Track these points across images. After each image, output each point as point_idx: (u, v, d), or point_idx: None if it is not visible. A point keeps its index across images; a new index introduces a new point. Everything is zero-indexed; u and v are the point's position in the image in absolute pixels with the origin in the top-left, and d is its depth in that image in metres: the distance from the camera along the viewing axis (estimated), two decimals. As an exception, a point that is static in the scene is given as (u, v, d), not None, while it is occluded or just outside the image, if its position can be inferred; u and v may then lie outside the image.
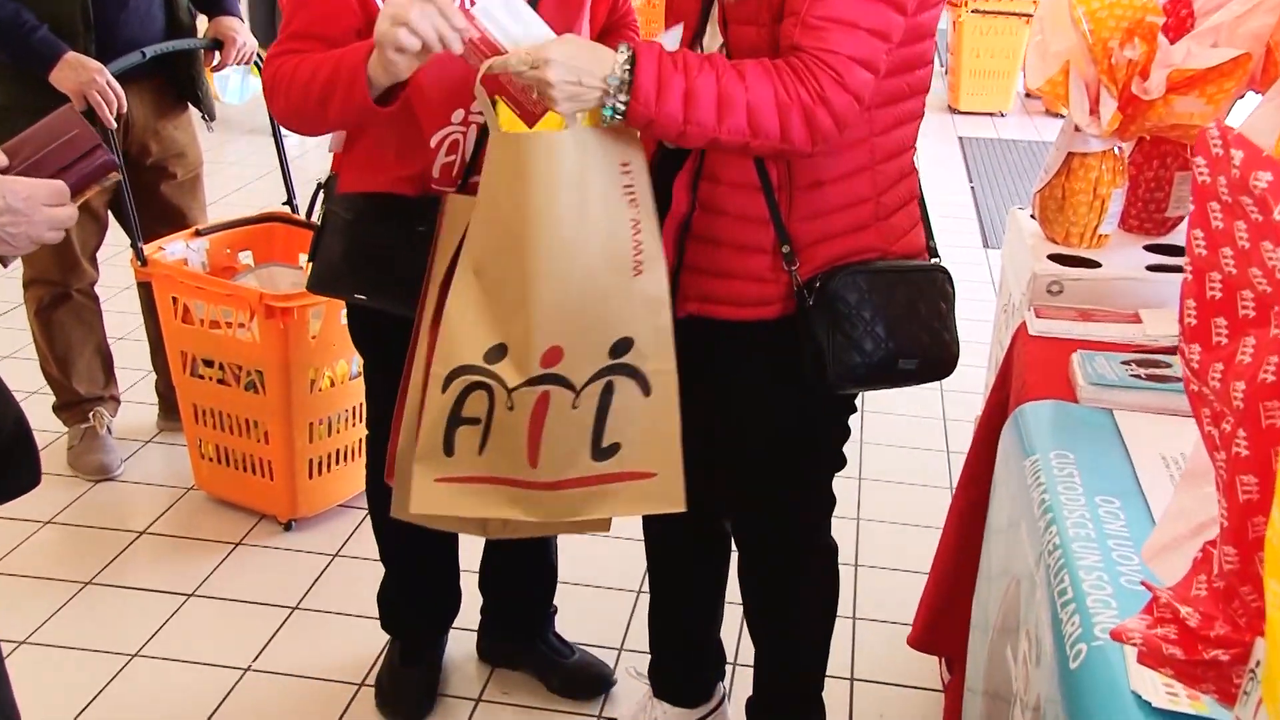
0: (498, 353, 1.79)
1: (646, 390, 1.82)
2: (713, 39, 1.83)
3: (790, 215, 1.81)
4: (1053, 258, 2.21)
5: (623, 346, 1.79)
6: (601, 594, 2.85)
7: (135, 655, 2.62)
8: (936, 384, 1.99)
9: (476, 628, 2.64)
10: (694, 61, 1.64)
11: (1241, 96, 2.15)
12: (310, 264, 2.18)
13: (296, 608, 2.80)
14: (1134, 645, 0.84)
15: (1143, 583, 0.91)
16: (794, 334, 1.83)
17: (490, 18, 1.69)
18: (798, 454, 2.02)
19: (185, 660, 2.61)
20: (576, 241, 1.72)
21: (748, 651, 2.27)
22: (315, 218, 2.18)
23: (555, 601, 2.62)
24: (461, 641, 2.62)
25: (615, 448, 1.85)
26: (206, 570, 2.92)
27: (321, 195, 2.16)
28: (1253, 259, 0.75)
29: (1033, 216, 2.36)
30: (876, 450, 3.49)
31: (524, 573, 2.56)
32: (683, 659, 2.35)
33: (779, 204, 1.80)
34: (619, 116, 1.64)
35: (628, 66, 1.61)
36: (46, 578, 2.87)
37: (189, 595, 2.82)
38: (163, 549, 3.02)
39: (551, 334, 1.76)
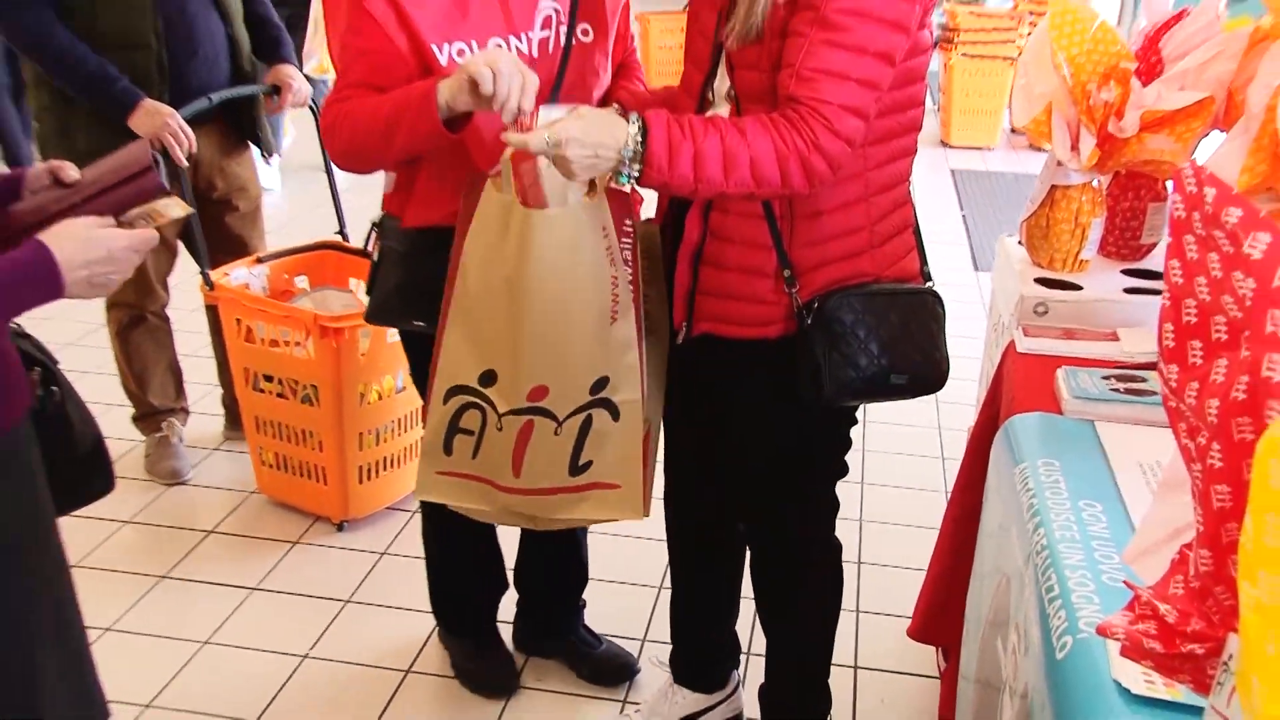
0: (489, 378, 1.86)
1: (616, 416, 1.88)
2: (721, 81, 1.83)
3: (791, 242, 1.80)
4: (1038, 281, 2.20)
5: (601, 384, 1.85)
6: (626, 590, 2.84)
7: (205, 643, 2.62)
8: (932, 396, 1.97)
9: (512, 620, 2.64)
10: (699, 125, 1.63)
11: (1207, 134, 2.12)
12: (368, 296, 2.18)
13: (349, 601, 2.79)
14: (1117, 640, 0.83)
15: (1125, 582, 0.90)
16: (793, 352, 1.83)
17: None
18: (796, 467, 2.01)
19: (250, 648, 2.61)
20: (563, 298, 1.78)
21: (761, 642, 2.27)
22: (372, 252, 2.18)
23: (584, 596, 2.61)
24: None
25: (588, 464, 1.91)
26: (268, 566, 2.92)
27: (375, 233, 2.16)
28: (1224, 287, 0.75)
29: (1020, 243, 2.34)
30: (878, 457, 3.47)
31: (556, 570, 2.56)
32: (700, 649, 2.34)
33: (781, 232, 1.79)
34: (634, 180, 1.64)
35: (640, 137, 1.61)
36: (126, 571, 2.88)
37: (252, 589, 2.82)
38: (228, 547, 3.02)
39: (537, 375, 1.83)
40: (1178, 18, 2.19)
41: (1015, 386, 1.90)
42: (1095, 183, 2.21)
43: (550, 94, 1.96)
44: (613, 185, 1.73)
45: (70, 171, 1.50)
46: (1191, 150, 2.13)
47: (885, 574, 2.91)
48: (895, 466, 3.44)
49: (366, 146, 1.90)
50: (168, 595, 2.80)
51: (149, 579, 2.85)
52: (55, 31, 2.80)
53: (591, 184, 1.75)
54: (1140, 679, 1.08)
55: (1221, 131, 2.08)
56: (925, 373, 1.89)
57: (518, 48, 1.94)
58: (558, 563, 2.54)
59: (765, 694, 2.25)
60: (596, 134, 1.61)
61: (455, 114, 1.78)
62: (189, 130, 2.87)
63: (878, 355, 1.82)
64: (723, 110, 1.82)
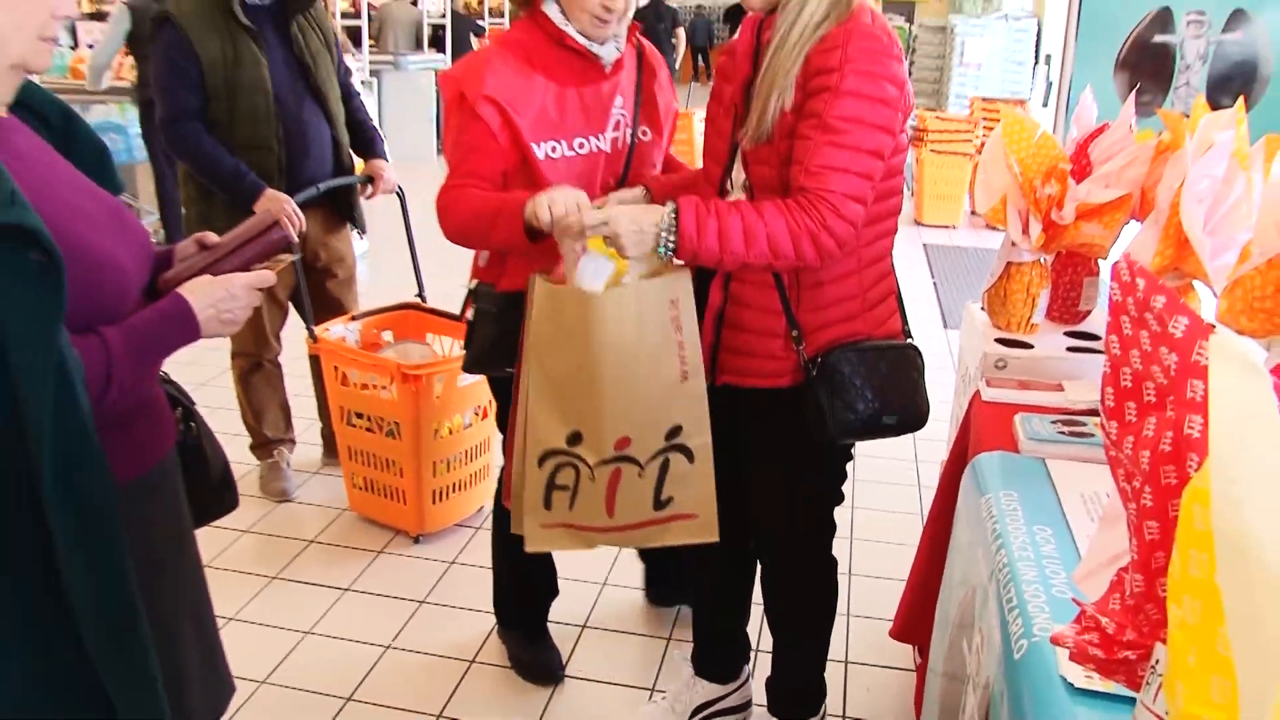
0: (575, 438, 1.81)
1: (691, 459, 1.85)
2: (737, 174, 1.86)
3: (798, 308, 1.82)
4: (998, 340, 2.19)
5: (675, 432, 1.83)
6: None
7: (308, 633, 2.63)
8: (911, 434, 1.97)
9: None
10: (723, 207, 1.67)
11: (1128, 223, 2.14)
12: (465, 351, 2.20)
13: (423, 602, 2.79)
14: (1067, 648, 0.84)
15: (1073, 599, 0.91)
16: (802, 399, 1.84)
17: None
18: (805, 496, 2.02)
19: (343, 638, 2.61)
20: (635, 364, 1.76)
21: (767, 640, 2.26)
22: (468, 315, 2.20)
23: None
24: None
25: (669, 500, 1.88)
26: (357, 571, 2.93)
27: (470, 298, 2.18)
28: (1153, 359, 0.76)
29: (982, 309, 2.35)
30: (866, 485, 3.46)
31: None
32: (718, 646, 2.34)
33: (789, 299, 1.82)
34: (670, 252, 1.67)
35: (673, 216, 1.65)
36: (245, 572, 2.89)
37: (345, 590, 2.83)
38: (325, 554, 3.03)
39: (619, 429, 1.80)
40: (1101, 130, 2.22)
41: (980, 429, 1.90)
42: (1042, 260, 2.22)
43: (618, 181, 2.07)
44: (672, 262, 1.74)
45: (211, 237, 1.54)
46: (1116, 236, 2.14)
47: (871, 583, 2.89)
48: (881, 493, 3.43)
49: (471, 234, 1.97)
50: (277, 593, 2.81)
51: (263, 579, 2.87)
52: (202, 139, 2.88)
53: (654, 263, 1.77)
54: (1082, 675, 1.07)
55: (1138, 221, 2.10)
56: (910, 414, 1.90)
57: (596, 144, 2.02)
58: None
59: (771, 685, 2.24)
60: (640, 216, 1.67)
61: (535, 228, 1.83)
62: (300, 213, 2.91)
63: (872, 400, 1.83)
64: (740, 199, 1.83)
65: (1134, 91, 2.38)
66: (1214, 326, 0.67)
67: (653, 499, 1.87)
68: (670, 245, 1.67)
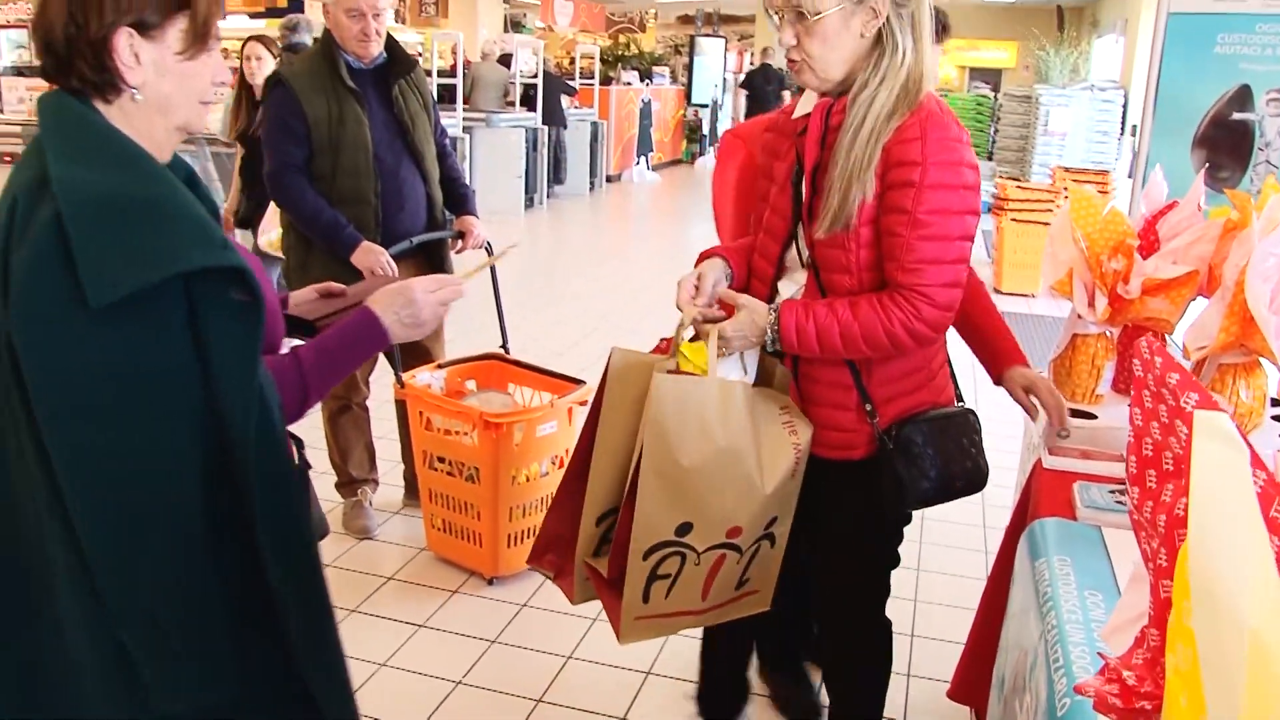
0: (685, 528, 1.80)
1: (773, 544, 1.91)
2: (800, 251, 1.90)
3: (869, 381, 1.87)
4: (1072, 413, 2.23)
5: (773, 521, 1.88)
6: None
7: (382, 665, 2.73)
8: (978, 499, 2.03)
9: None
10: (821, 311, 1.77)
11: (1194, 299, 2.17)
12: None
13: (495, 641, 2.87)
14: (1088, 696, 0.89)
15: (1099, 653, 0.96)
16: (875, 470, 1.88)
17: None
18: (871, 560, 2.06)
19: (416, 671, 2.70)
20: (755, 468, 1.79)
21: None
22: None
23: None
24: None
25: (748, 580, 1.93)
26: (433, 608, 3.02)
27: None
28: (1170, 430, 0.82)
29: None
30: (933, 549, 3.47)
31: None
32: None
33: (860, 373, 1.87)
34: (777, 350, 1.80)
35: (774, 322, 1.78)
36: (322, 607, 3.00)
37: (419, 626, 2.93)
38: (403, 591, 3.13)
39: (736, 519, 1.82)
40: (1170, 207, 2.26)
41: (1040, 496, 1.92)
42: (1108, 333, 2.26)
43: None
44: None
45: (335, 287, 1.70)
46: (1182, 311, 2.17)
47: (934, 645, 2.90)
48: (946, 557, 3.43)
49: None
50: (355, 625, 2.91)
51: (342, 611, 2.95)
52: (305, 191, 3.06)
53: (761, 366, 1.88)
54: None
55: (1205, 298, 2.13)
56: (974, 476, 1.95)
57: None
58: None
59: None
60: (744, 323, 1.79)
61: None
62: (394, 264, 3.07)
63: (943, 467, 1.88)
64: (799, 275, 1.90)
65: (1203, 170, 2.41)
66: (1216, 403, 0.73)
67: (737, 580, 1.91)
68: (776, 348, 1.79)
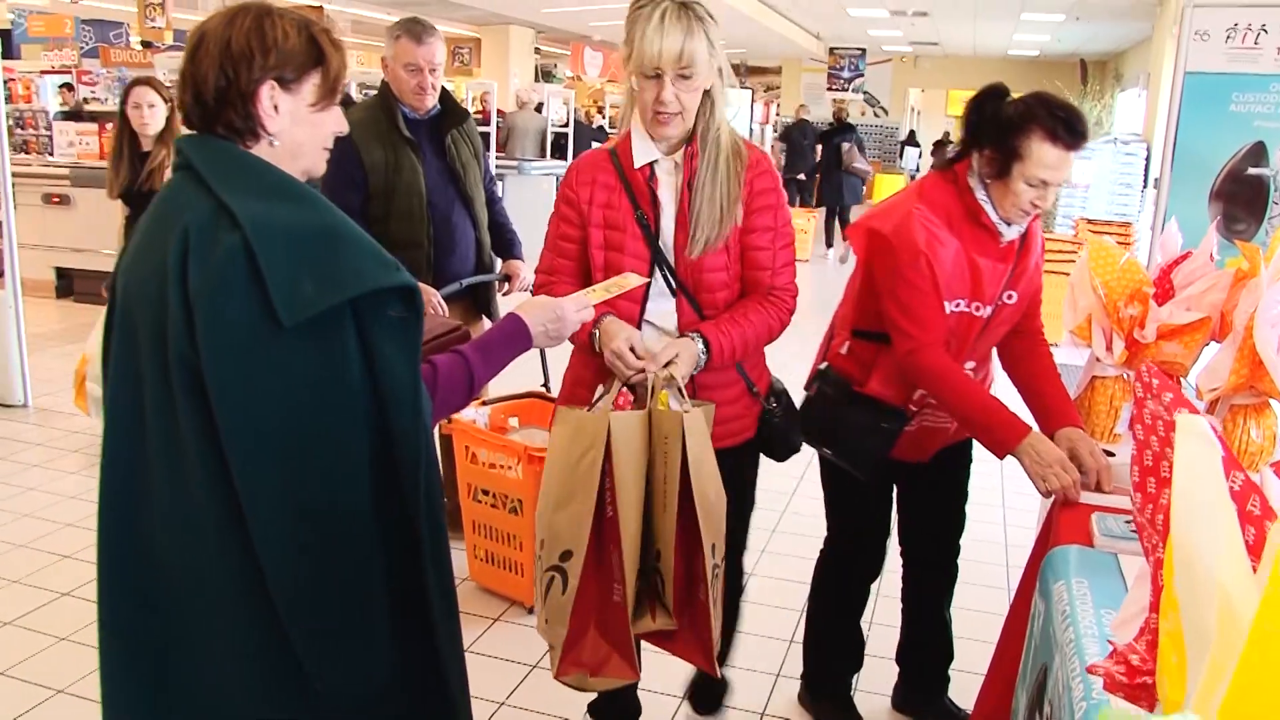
0: (714, 549, 1.98)
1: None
2: (662, 281, 2.16)
3: (749, 370, 2.25)
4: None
5: (658, 555, 2.05)
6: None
7: (429, 688, 2.85)
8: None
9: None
10: (729, 327, 2.10)
11: (1207, 344, 2.30)
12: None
13: (535, 666, 2.99)
14: (1100, 676, 1.02)
15: (1109, 641, 1.09)
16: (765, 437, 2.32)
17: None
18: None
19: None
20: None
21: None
22: (811, 390, 2.53)
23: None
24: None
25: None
26: (475, 634, 3.15)
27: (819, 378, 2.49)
28: (1168, 443, 0.96)
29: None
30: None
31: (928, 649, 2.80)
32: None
33: (743, 365, 2.23)
34: (707, 358, 2.09)
35: (704, 348, 2.08)
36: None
37: (465, 651, 3.05)
38: (446, 619, 3.26)
39: (722, 533, 2.05)
40: (1184, 256, 2.40)
41: (1060, 526, 2.04)
42: (1125, 375, 2.39)
43: (975, 337, 2.29)
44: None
45: None
46: (1195, 355, 2.30)
47: (958, 677, 2.98)
48: (970, 594, 3.51)
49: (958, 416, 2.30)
50: (403, 650, 3.04)
51: (390, 637, 3.10)
52: (362, 236, 3.24)
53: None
54: (1132, 728, 1.24)
55: (1218, 342, 2.26)
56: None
57: (982, 312, 2.25)
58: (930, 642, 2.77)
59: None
60: (688, 362, 2.06)
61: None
62: (445, 304, 3.24)
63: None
64: (665, 300, 2.16)
65: (1216, 221, 2.56)
66: (1199, 411, 0.87)
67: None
68: (705, 360, 2.09)
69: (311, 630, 1.33)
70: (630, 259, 2.12)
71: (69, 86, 10.60)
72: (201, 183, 1.33)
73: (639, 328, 2.14)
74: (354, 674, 1.37)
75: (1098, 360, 2.37)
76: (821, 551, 2.68)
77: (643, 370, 2.02)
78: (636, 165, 2.11)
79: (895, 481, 2.54)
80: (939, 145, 17.81)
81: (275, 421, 1.27)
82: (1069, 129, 2.08)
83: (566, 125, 12.23)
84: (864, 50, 19.22)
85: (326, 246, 1.32)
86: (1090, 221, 7.95)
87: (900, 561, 2.72)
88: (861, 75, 19.27)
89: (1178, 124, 3.56)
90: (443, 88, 3.42)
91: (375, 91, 3.47)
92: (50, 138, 9.08)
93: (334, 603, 1.34)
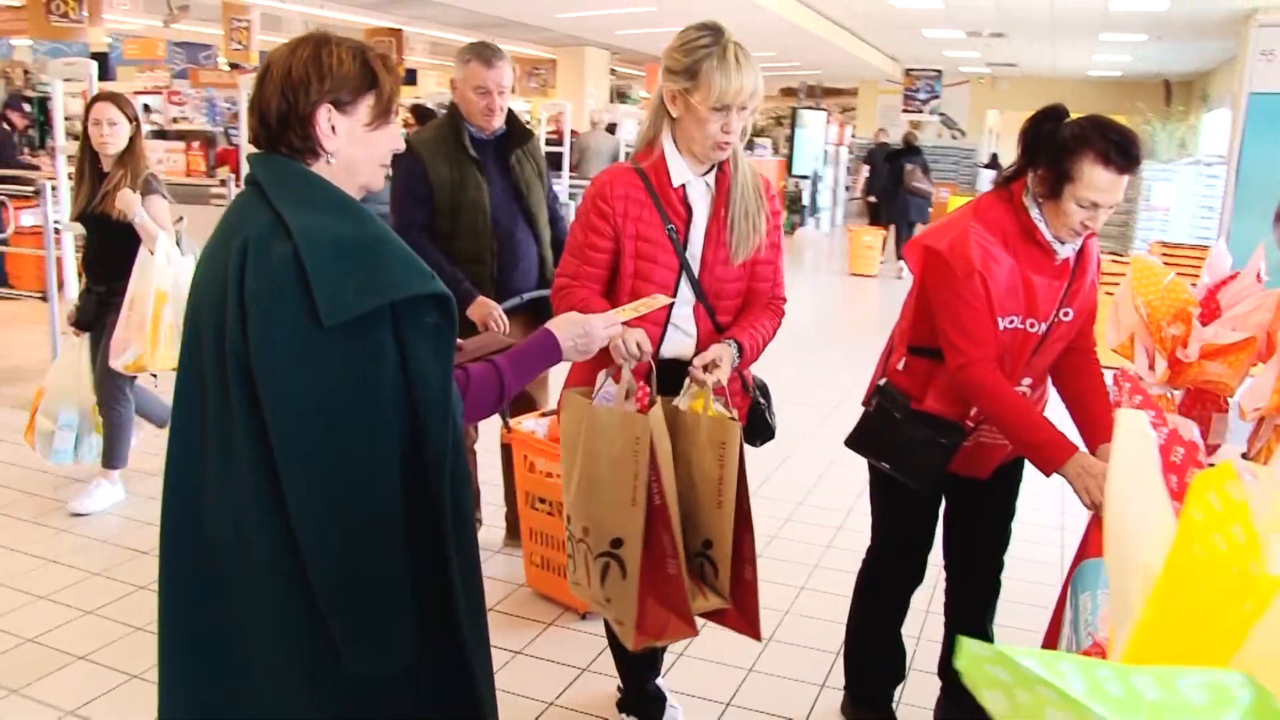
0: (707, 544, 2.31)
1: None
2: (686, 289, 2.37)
3: (743, 368, 2.47)
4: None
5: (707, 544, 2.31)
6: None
7: (482, 685, 2.97)
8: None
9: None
10: (750, 329, 2.37)
11: (1254, 364, 2.32)
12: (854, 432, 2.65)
13: (585, 669, 3.09)
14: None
15: (1089, 633, 1.15)
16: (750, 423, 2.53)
17: None
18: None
19: (512, 693, 2.93)
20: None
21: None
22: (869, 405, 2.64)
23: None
24: (695, 702, 2.85)
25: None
26: (529, 638, 3.26)
27: (878, 394, 2.58)
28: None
29: (1112, 437, 2.55)
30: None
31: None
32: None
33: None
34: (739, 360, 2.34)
35: (736, 353, 2.31)
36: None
37: (517, 652, 3.17)
38: (503, 622, 3.37)
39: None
40: (1232, 277, 2.42)
41: (1090, 540, 2.10)
42: (1170, 394, 2.42)
43: (1030, 354, 2.32)
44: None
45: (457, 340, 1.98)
46: (1242, 376, 2.33)
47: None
48: (1016, 613, 3.54)
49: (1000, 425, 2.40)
50: (458, 650, 3.16)
51: (446, 636, 3.23)
52: (426, 249, 3.37)
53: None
54: None
55: (1261, 363, 2.29)
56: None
57: (1038, 328, 2.29)
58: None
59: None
60: (728, 365, 2.29)
61: None
62: (505, 318, 3.37)
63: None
64: (685, 307, 2.37)
65: (1262, 243, 2.56)
66: (1157, 405, 0.95)
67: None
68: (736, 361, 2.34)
69: (342, 605, 1.46)
70: (660, 269, 2.33)
71: (147, 108, 11.07)
72: (264, 196, 1.49)
73: (665, 330, 2.34)
74: (381, 652, 1.49)
75: (1140, 379, 2.40)
76: (865, 559, 2.74)
77: (639, 358, 2.19)
78: (675, 185, 2.31)
79: (946, 495, 2.59)
80: (990, 165, 17.70)
81: (314, 411, 1.42)
82: (1121, 152, 2.12)
83: (639, 145, 12.38)
84: (940, 72, 19.13)
85: (368, 256, 1.46)
86: (1165, 245, 7.82)
87: (944, 575, 2.77)
88: (938, 97, 19.18)
89: (1241, 145, 3.55)
90: (509, 109, 3.56)
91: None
92: (141, 156, 9.49)
93: (362, 581, 1.46)
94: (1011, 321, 2.26)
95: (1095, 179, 2.12)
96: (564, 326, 1.84)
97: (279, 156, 1.54)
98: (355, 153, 1.56)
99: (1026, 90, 21.89)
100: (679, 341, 2.37)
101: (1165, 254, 7.78)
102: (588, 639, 3.27)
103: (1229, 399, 2.46)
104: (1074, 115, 2.24)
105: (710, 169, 2.34)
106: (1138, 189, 11.15)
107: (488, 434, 3.81)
